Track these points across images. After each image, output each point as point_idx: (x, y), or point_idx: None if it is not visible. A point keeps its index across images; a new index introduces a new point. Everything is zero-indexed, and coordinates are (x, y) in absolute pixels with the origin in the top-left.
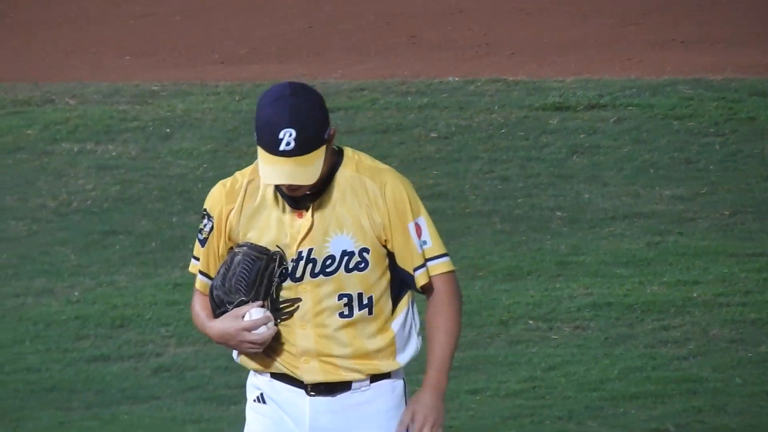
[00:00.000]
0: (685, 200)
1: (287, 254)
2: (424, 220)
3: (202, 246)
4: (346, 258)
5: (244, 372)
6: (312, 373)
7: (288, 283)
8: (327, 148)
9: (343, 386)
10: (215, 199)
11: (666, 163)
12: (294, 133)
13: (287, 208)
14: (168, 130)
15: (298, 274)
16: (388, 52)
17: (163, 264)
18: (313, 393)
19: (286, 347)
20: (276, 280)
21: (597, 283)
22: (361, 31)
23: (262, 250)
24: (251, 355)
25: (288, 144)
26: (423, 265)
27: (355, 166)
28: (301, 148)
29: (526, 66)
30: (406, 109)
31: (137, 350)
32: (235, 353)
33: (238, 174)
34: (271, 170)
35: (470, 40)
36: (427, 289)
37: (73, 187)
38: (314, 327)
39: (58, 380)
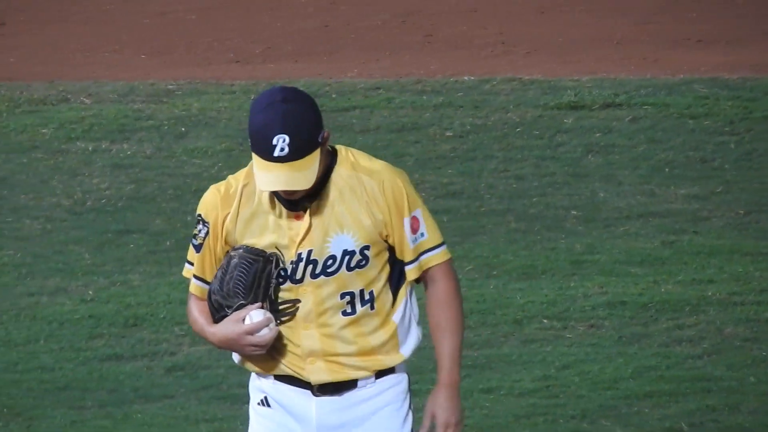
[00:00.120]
0: (700, 199)
1: (286, 256)
2: (421, 212)
3: (197, 251)
4: (347, 257)
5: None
6: (318, 373)
7: (288, 284)
8: (321, 150)
9: (349, 385)
10: (210, 205)
11: (681, 162)
12: (287, 138)
13: (284, 211)
14: (183, 129)
15: (298, 275)
16: (403, 51)
17: (177, 263)
18: (319, 393)
19: (290, 348)
20: (274, 281)
21: (611, 282)
22: (376, 30)
23: (258, 252)
24: (254, 358)
25: (282, 150)
26: (416, 260)
27: (351, 164)
28: (296, 153)
29: (542, 65)
30: (422, 108)
31: (151, 349)
32: (235, 356)
33: (231, 178)
34: (266, 177)
35: (486, 39)
36: (425, 280)
37: (87, 186)
38: (318, 327)
39: (72, 379)
